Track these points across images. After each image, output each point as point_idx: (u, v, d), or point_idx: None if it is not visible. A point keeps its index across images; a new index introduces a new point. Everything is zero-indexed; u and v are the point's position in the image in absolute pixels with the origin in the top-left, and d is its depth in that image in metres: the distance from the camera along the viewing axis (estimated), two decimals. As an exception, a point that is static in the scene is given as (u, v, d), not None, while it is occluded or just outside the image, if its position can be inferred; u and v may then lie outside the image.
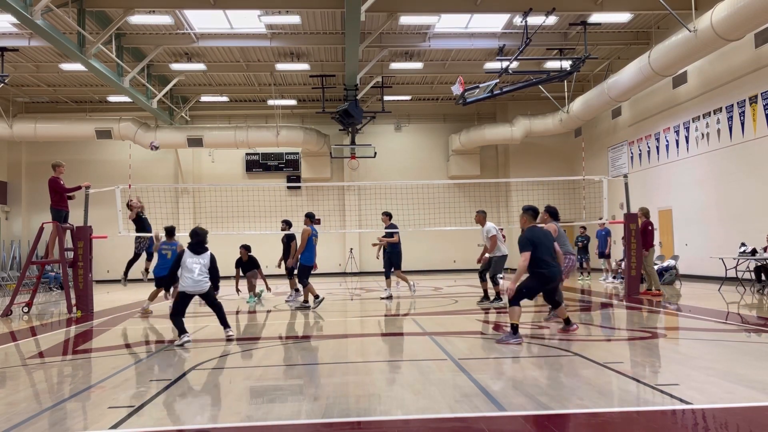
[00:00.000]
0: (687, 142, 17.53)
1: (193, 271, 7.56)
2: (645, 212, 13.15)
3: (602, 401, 4.40)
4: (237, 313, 11.56)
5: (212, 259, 7.73)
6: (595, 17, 16.55)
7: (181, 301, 7.66)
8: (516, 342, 6.81)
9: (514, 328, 6.93)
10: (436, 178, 25.24)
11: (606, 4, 15.94)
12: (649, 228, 13.10)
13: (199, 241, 7.69)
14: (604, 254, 17.69)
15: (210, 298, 7.85)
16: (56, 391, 5.24)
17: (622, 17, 17.28)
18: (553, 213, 9.35)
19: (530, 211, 7.58)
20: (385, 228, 13.11)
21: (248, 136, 23.10)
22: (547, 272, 7.10)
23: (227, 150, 25.12)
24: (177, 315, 7.54)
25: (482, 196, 24.81)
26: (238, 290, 14.04)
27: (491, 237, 11.37)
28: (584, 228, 18.23)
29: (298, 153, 25.72)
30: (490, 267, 11.37)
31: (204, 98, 24.57)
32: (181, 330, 7.47)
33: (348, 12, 13.68)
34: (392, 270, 13.00)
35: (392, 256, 12.88)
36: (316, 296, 11.36)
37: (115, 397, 4.83)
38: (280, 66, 20.59)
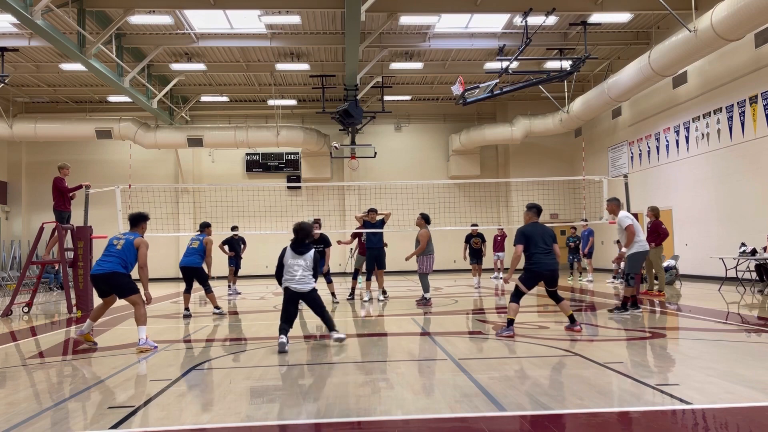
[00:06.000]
0: (687, 142, 17.53)
1: None
2: (655, 212, 12.92)
3: (602, 401, 4.39)
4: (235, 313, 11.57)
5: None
6: (595, 17, 16.55)
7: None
8: (507, 334, 7.43)
9: (509, 322, 7.62)
10: (436, 178, 25.24)
11: (606, 4, 15.93)
12: (662, 227, 12.88)
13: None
14: (586, 254, 17.62)
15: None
16: (56, 391, 5.24)
17: (622, 17, 17.27)
18: (426, 218, 11.54)
19: (534, 209, 8.01)
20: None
21: (248, 136, 23.10)
22: (535, 267, 7.62)
23: (227, 150, 25.13)
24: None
25: (482, 196, 24.84)
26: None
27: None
28: (574, 228, 18.19)
29: (298, 153, 25.72)
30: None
31: (204, 98, 24.57)
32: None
33: (348, 12, 13.68)
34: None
35: None
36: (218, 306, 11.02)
37: (115, 397, 4.83)
38: (280, 66, 20.59)
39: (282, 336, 6.94)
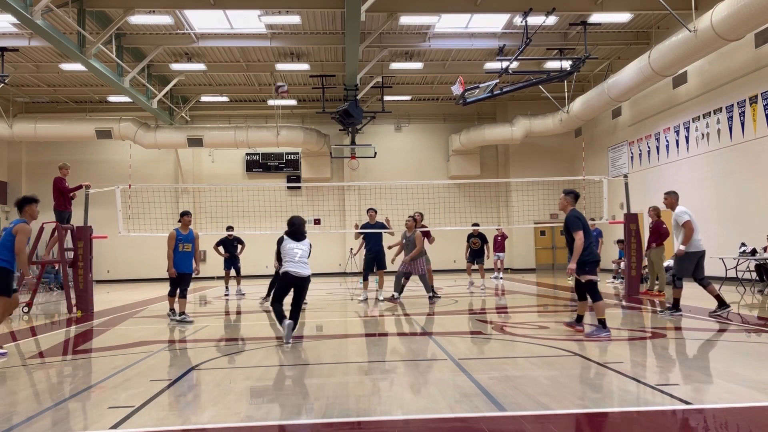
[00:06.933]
0: (687, 142, 17.53)
1: None
2: (657, 212, 12.91)
3: (602, 401, 4.40)
4: (238, 313, 11.57)
5: None
6: (595, 17, 16.54)
7: None
8: (606, 336, 7.02)
9: (602, 322, 7.16)
10: (436, 178, 25.23)
11: (606, 4, 15.93)
12: (664, 227, 12.87)
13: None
14: None
15: None
16: (56, 391, 5.24)
17: (622, 17, 17.28)
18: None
19: (572, 194, 7.73)
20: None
21: (248, 136, 23.09)
22: (591, 258, 7.39)
23: (227, 150, 25.12)
24: None
25: (482, 196, 24.81)
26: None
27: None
28: None
29: (298, 153, 25.72)
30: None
31: (204, 98, 24.56)
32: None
33: (348, 12, 13.68)
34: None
35: None
36: (172, 309, 10.02)
37: (115, 397, 4.83)
38: (280, 66, 20.59)
39: (285, 319, 7.24)
